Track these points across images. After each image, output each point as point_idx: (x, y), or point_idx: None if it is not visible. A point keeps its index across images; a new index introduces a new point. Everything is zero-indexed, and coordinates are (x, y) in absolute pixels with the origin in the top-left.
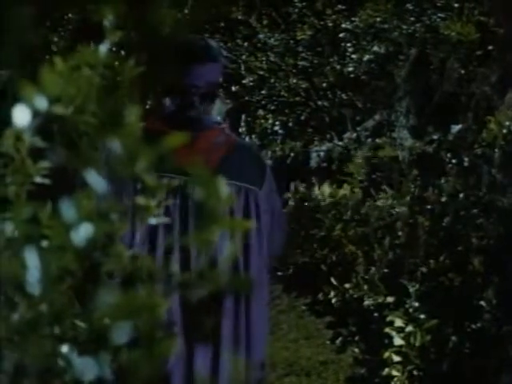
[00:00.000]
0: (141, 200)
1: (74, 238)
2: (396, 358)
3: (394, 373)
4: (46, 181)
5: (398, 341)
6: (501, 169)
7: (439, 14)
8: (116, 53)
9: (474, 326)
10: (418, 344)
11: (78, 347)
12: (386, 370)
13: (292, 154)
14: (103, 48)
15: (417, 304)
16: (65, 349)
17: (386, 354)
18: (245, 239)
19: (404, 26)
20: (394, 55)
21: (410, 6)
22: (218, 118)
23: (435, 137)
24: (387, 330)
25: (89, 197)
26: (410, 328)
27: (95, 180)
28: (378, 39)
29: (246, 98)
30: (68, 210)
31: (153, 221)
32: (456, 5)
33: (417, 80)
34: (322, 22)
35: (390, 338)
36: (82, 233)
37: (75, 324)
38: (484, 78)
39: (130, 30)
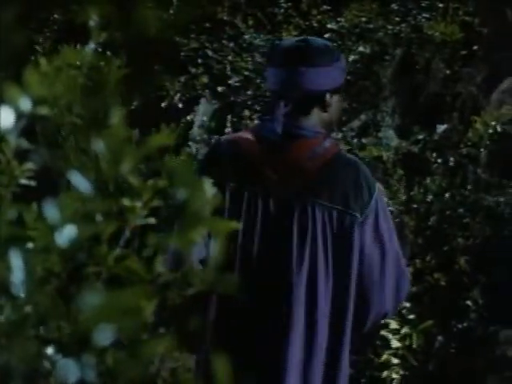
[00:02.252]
0: (126, 201)
1: (58, 239)
2: (394, 360)
3: (394, 375)
4: (32, 182)
5: (394, 343)
6: (486, 168)
7: (424, 14)
8: (101, 53)
9: (460, 326)
10: (414, 346)
11: (62, 349)
12: (386, 372)
13: None
14: (88, 49)
15: (408, 305)
16: (50, 350)
17: (384, 357)
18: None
19: (389, 26)
20: (380, 55)
21: (395, 6)
22: (318, 128)
23: (421, 136)
24: (383, 332)
25: (73, 198)
26: (405, 330)
27: (79, 181)
28: (363, 39)
29: (232, 99)
30: (52, 211)
31: (139, 222)
32: (440, 5)
33: (402, 80)
34: (307, 23)
35: (387, 340)
36: (66, 234)
37: (60, 326)
38: (470, 77)
39: (115, 30)
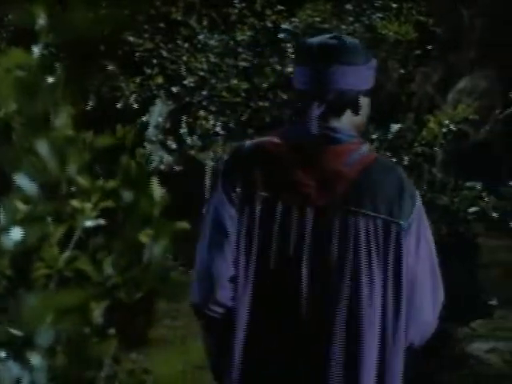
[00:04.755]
0: (75, 202)
1: (4, 241)
2: None
3: None
4: None
5: None
6: (441, 167)
7: (378, 14)
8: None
9: None
10: None
11: (12, 352)
12: None
13: None
14: (35, 50)
15: None
16: (2, 354)
17: None
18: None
19: (343, 26)
20: None
21: (349, 7)
22: (352, 131)
23: (375, 136)
24: None
25: (21, 200)
26: None
27: (25, 183)
28: None
29: (187, 99)
30: None
31: (88, 223)
32: (394, 5)
33: None
34: (261, 23)
35: None
36: (13, 237)
37: (8, 328)
38: (426, 77)
39: (65, 31)
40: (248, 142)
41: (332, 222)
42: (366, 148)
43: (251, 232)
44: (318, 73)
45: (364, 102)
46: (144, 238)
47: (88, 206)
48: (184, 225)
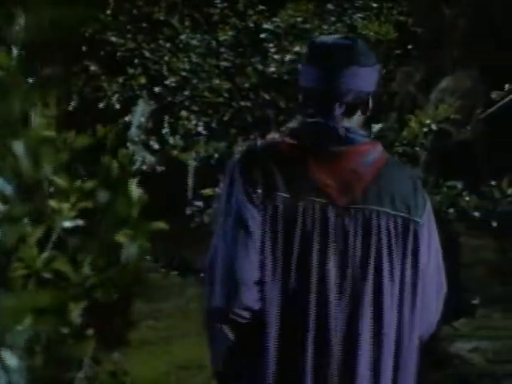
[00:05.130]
0: (53, 203)
1: None
2: None
3: None
4: None
5: None
6: (422, 167)
7: (358, 14)
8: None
9: None
10: None
11: None
12: None
13: (216, 155)
14: (14, 50)
15: None
16: None
17: None
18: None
19: (325, 27)
20: None
21: (330, 6)
22: (363, 131)
23: None
24: None
25: None
26: None
27: (2, 184)
28: (299, 39)
29: (169, 99)
30: None
31: (66, 224)
32: (375, 4)
33: None
34: (243, 23)
35: None
36: None
37: None
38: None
39: (45, 30)
40: (260, 143)
41: (355, 221)
42: (380, 148)
43: (275, 233)
44: (335, 73)
45: (371, 103)
46: (122, 238)
47: (66, 206)
48: (161, 225)
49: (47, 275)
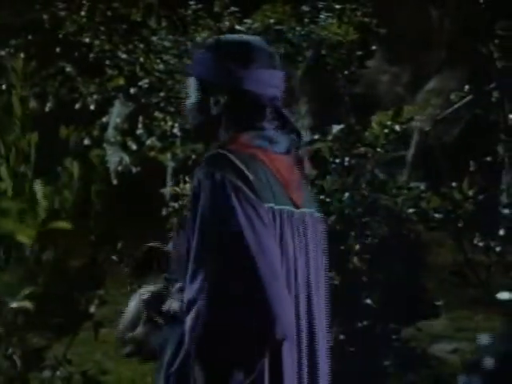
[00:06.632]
0: None
1: None
2: None
3: None
4: None
5: None
6: (383, 167)
7: (321, 16)
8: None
9: (360, 325)
10: None
11: None
12: None
13: (194, 156)
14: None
15: None
16: None
17: None
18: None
19: (298, 28)
20: (293, 56)
21: (305, 8)
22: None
23: (316, 137)
24: None
25: None
26: None
27: None
28: (274, 40)
29: (144, 100)
30: None
31: None
32: (337, 6)
33: (313, 80)
34: (217, 24)
35: None
36: None
37: None
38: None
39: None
40: (228, 155)
41: (306, 225)
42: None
43: (280, 246)
44: (281, 78)
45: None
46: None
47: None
48: (64, 225)
49: None
